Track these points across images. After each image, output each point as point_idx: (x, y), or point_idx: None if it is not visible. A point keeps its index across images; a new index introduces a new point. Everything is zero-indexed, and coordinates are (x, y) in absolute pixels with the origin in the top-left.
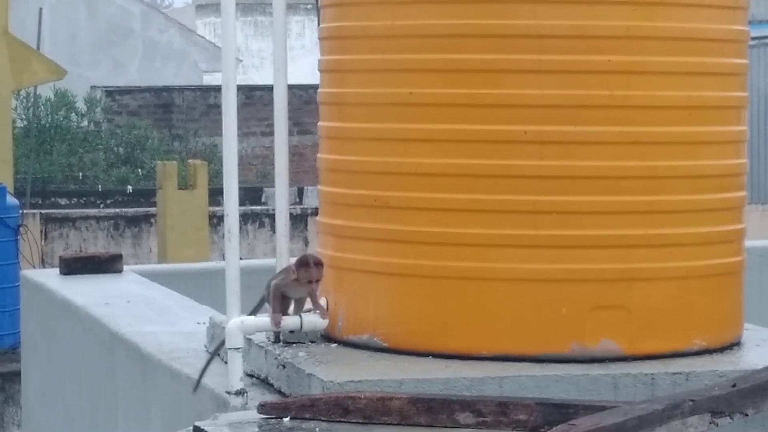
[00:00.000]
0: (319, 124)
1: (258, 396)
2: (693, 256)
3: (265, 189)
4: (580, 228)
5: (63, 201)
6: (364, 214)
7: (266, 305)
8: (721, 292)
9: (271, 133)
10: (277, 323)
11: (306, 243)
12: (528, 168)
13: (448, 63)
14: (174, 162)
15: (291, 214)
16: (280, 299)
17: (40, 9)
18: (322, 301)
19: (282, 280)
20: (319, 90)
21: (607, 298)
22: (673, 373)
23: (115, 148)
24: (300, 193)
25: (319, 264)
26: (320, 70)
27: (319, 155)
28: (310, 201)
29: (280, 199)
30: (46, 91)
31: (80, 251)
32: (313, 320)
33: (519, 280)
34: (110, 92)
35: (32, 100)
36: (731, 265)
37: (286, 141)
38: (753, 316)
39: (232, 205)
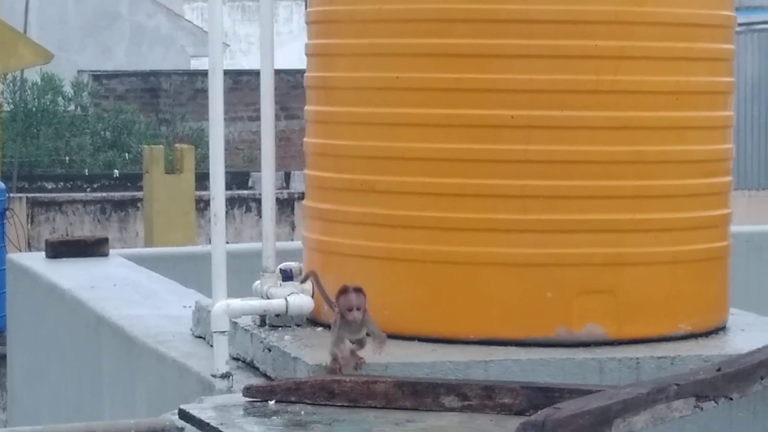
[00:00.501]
0: (306, 108)
1: (244, 379)
2: (680, 241)
3: (252, 173)
4: (568, 212)
5: (49, 185)
6: (351, 198)
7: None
8: (707, 276)
9: (258, 118)
10: (341, 369)
11: (293, 227)
12: (516, 153)
13: (436, 47)
14: (161, 146)
15: (278, 199)
16: (345, 342)
17: None
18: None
19: (336, 328)
20: (306, 74)
21: (593, 282)
22: (659, 358)
23: (102, 133)
24: (287, 177)
25: (358, 290)
26: (307, 54)
27: (305, 139)
28: (297, 185)
29: (267, 182)
30: (32, 75)
31: (66, 235)
32: (299, 304)
33: (506, 265)
34: (97, 76)
35: (19, 84)
36: (717, 250)
37: (272, 125)
38: (739, 301)
39: (218, 189)
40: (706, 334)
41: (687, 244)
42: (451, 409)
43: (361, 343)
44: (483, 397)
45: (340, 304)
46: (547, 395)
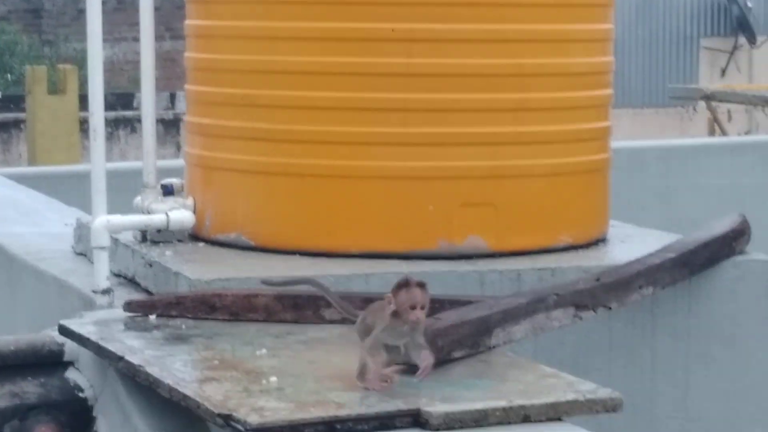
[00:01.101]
0: (186, 22)
1: (125, 295)
2: (560, 154)
3: (137, 94)
4: (448, 125)
5: None
6: (231, 112)
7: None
8: (587, 189)
9: None
10: (385, 383)
11: (178, 148)
12: (396, 66)
13: None
14: (44, 67)
15: (163, 120)
16: (382, 352)
17: None
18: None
19: (380, 329)
20: None
21: (474, 195)
22: (539, 269)
23: None
24: (172, 98)
25: (422, 285)
26: None
27: (186, 54)
28: (182, 106)
29: (147, 96)
30: None
31: None
32: (180, 219)
33: (387, 178)
34: None
35: None
36: (598, 162)
37: (152, 36)
38: (621, 215)
39: (97, 104)
40: (587, 245)
41: (567, 156)
42: (332, 322)
43: (397, 353)
44: (363, 309)
45: (400, 300)
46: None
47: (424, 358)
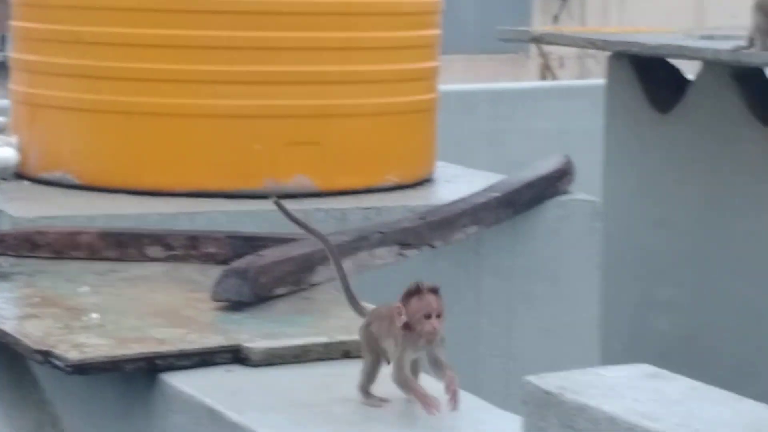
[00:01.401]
0: None
1: None
2: (387, 93)
3: None
4: (274, 64)
5: None
6: (57, 49)
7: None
8: (413, 128)
9: None
10: (435, 408)
11: None
12: (224, 3)
13: None
14: None
15: None
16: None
17: None
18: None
19: (396, 343)
20: None
21: (301, 134)
22: (365, 208)
23: None
24: (3, 40)
25: (435, 291)
26: None
27: None
28: None
29: None
30: None
31: None
32: (4, 157)
33: (213, 116)
34: None
35: None
36: (425, 102)
37: None
38: (450, 157)
39: None
40: (413, 185)
41: (394, 96)
42: (156, 259)
43: (414, 368)
44: (187, 246)
45: (412, 309)
46: (252, 244)
47: (450, 381)
